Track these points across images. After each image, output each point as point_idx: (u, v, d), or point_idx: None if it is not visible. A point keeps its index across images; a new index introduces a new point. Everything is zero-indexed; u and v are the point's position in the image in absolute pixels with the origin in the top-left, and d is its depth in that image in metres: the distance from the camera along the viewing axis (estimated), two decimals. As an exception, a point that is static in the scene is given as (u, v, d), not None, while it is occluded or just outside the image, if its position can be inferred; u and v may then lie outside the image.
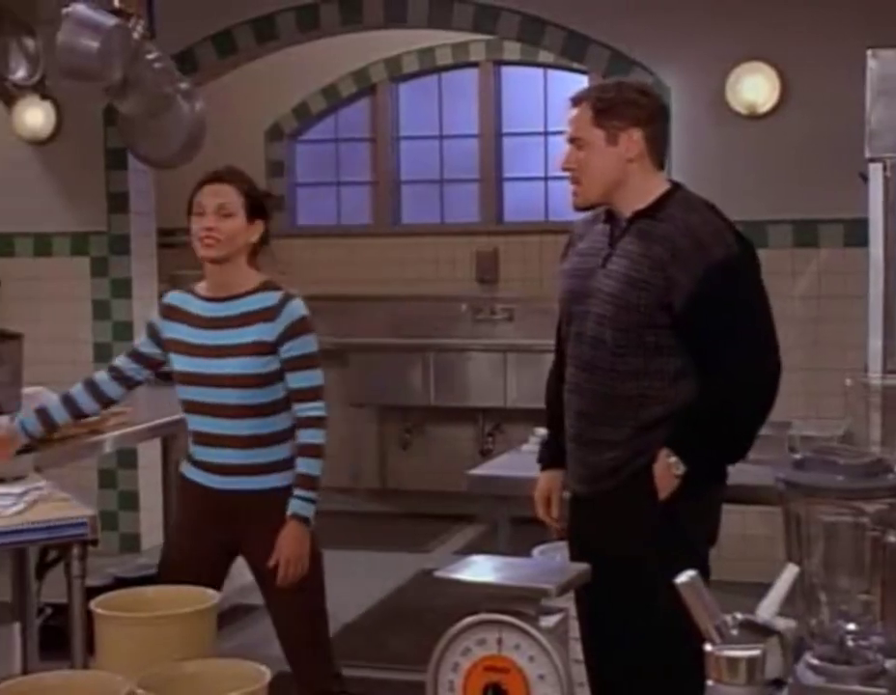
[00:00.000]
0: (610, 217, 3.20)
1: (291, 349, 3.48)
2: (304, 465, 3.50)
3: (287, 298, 3.52)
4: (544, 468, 3.46)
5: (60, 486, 3.66)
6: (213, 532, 3.58)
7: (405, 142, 8.77)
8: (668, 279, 3.01)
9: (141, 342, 3.74)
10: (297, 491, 3.49)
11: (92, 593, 2.41)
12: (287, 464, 3.54)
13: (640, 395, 3.09)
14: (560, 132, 9.34)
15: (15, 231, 7.14)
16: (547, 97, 8.36)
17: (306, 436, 3.51)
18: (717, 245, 3.03)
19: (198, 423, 3.59)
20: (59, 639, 3.60)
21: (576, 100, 3.21)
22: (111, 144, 6.88)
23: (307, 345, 3.51)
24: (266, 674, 1.86)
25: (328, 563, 3.74)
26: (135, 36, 5.35)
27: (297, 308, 3.51)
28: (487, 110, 8.51)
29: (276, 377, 3.49)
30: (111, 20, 5.16)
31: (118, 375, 3.74)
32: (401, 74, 8.64)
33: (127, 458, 6.82)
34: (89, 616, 2.35)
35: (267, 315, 3.48)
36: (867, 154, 4.51)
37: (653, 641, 3.04)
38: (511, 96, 8.52)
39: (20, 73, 5.01)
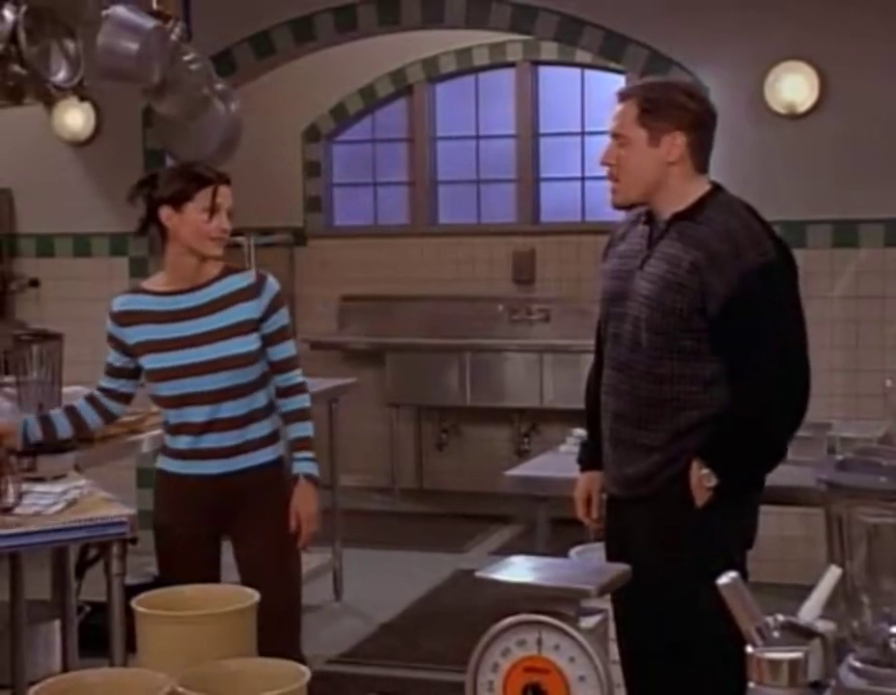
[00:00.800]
0: (650, 218, 3.18)
1: (274, 323, 3.63)
2: (301, 429, 3.66)
3: (263, 276, 3.67)
4: (583, 469, 3.44)
5: (100, 485, 3.68)
6: (205, 522, 3.62)
7: (441, 142, 8.77)
8: (704, 283, 2.99)
9: (112, 358, 3.73)
10: (300, 454, 3.65)
11: (131, 591, 2.42)
12: (273, 438, 3.67)
13: (676, 399, 3.07)
14: (598, 132, 9.29)
15: (55, 231, 7.20)
16: (585, 96, 8.34)
17: (296, 402, 3.67)
18: (754, 252, 3.00)
19: (192, 413, 3.59)
20: (98, 637, 3.63)
21: (623, 96, 3.17)
22: (150, 145, 6.92)
23: (283, 317, 3.67)
24: (306, 674, 1.86)
25: (365, 562, 3.76)
26: (173, 38, 5.38)
27: (273, 283, 3.66)
28: (524, 110, 8.50)
29: (260, 354, 3.62)
30: (150, 22, 5.19)
31: (111, 394, 3.77)
32: (438, 75, 8.64)
33: (165, 457, 6.85)
34: (128, 614, 2.36)
35: (248, 294, 3.61)
36: (908, 154, 4.48)
37: (688, 646, 3.03)
38: (548, 96, 8.50)
39: (61, 75, 5.03)
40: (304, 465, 3.64)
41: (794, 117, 6.10)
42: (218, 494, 3.61)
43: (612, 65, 7.14)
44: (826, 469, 1.83)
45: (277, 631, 3.57)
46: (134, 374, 3.72)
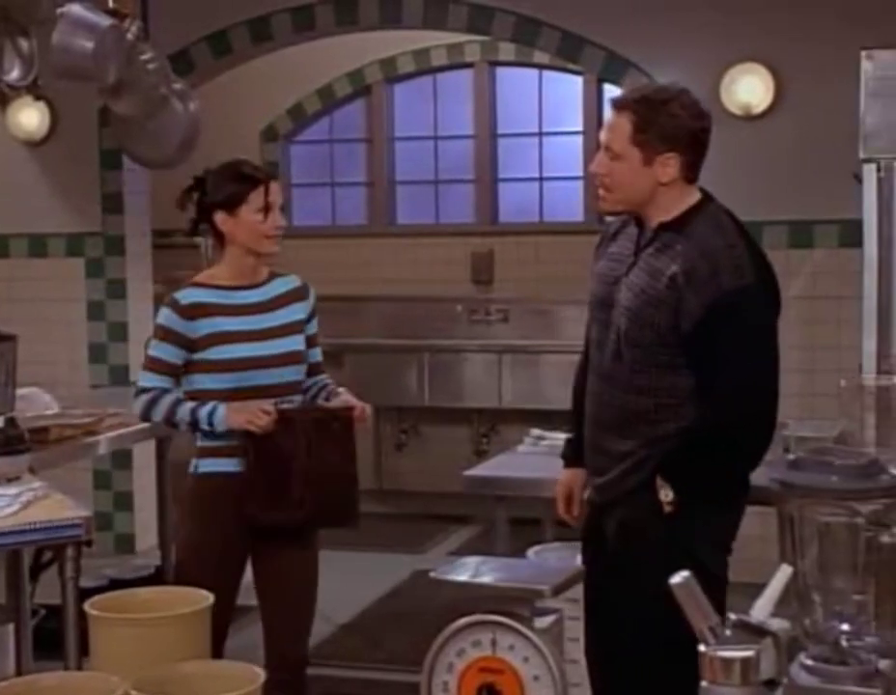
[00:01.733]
0: (640, 223, 3.15)
1: (313, 326, 3.78)
2: (331, 382, 3.83)
3: (304, 281, 3.83)
4: (566, 465, 3.42)
5: (55, 487, 3.65)
6: (241, 523, 3.59)
7: (400, 143, 8.76)
8: (679, 300, 2.97)
9: (170, 355, 3.60)
10: (333, 387, 3.80)
11: (86, 594, 2.40)
12: None
13: (653, 411, 3.06)
14: (555, 133, 9.30)
15: (10, 232, 7.14)
16: (542, 97, 8.35)
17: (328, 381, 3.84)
18: (732, 274, 2.96)
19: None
20: (53, 641, 3.60)
21: (618, 106, 3.10)
22: (105, 145, 6.88)
23: (317, 322, 3.81)
24: (261, 675, 1.86)
25: (324, 563, 3.76)
26: (130, 36, 5.36)
27: (313, 289, 3.84)
28: (482, 111, 8.51)
29: (307, 354, 3.74)
30: (106, 21, 5.15)
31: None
32: (396, 75, 8.63)
33: (122, 458, 6.82)
34: (83, 617, 2.35)
35: (299, 295, 3.76)
36: (861, 155, 4.52)
37: (656, 650, 3.03)
38: (506, 96, 8.51)
39: (14, 74, 4.99)
40: (334, 386, 3.80)
41: (749, 118, 6.14)
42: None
43: (570, 65, 7.16)
44: (778, 468, 1.85)
45: (301, 627, 3.75)
46: (183, 371, 3.64)
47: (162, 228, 7.41)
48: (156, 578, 5.64)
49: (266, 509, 3.57)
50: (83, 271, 7.03)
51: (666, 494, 3.00)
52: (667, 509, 3.01)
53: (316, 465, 3.59)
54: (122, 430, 4.67)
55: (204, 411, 3.56)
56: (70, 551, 3.32)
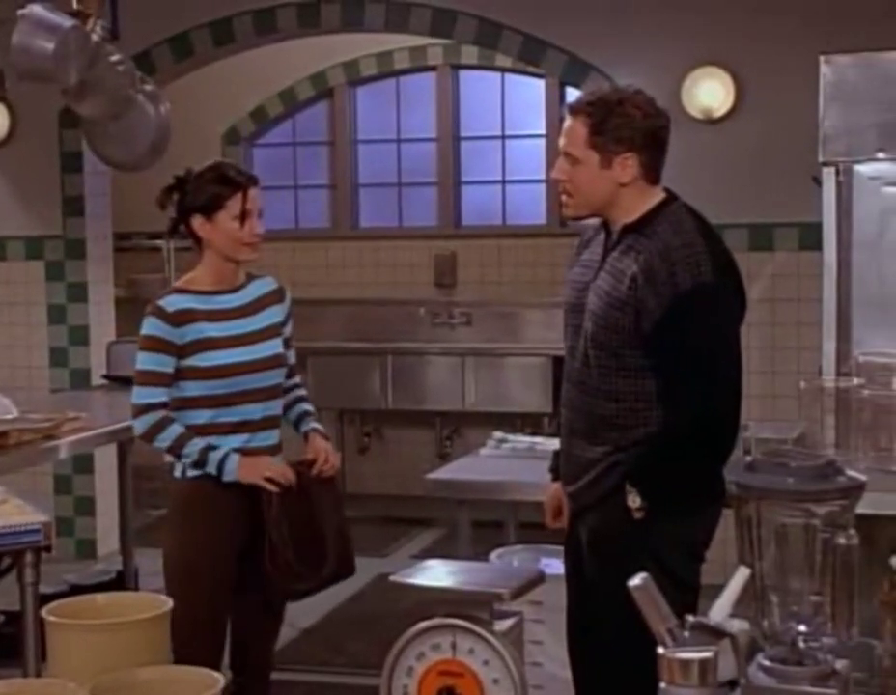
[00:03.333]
0: (607, 227, 3.14)
1: (289, 328, 3.76)
2: (308, 406, 3.85)
3: (280, 282, 3.80)
4: (554, 478, 3.35)
5: (14, 492, 3.63)
6: (241, 533, 3.57)
7: (362, 145, 8.75)
8: (640, 301, 2.96)
9: (163, 365, 3.54)
10: (310, 419, 3.83)
11: (46, 600, 2.39)
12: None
13: (622, 416, 3.04)
14: (518, 136, 9.32)
15: (-31, 235, 7.09)
16: (505, 100, 8.37)
17: (302, 390, 3.87)
18: (689, 273, 2.94)
19: (250, 411, 3.58)
20: (12, 647, 3.58)
21: (573, 110, 3.09)
22: (67, 147, 6.84)
23: (292, 325, 3.80)
24: (220, 680, 1.85)
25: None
26: (94, 37, 5.30)
27: (288, 290, 3.82)
28: (444, 114, 8.51)
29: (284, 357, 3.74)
30: (68, 21, 5.12)
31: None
32: (358, 78, 8.62)
33: (83, 463, 6.77)
34: (42, 623, 2.33)
35: (276, 297, 3.73)
36: (820, 159, 4.55)
37: (632, 654, 3.03)
38: (468, 99, 8.52)
39: (-27, 76, 4.96)
40: (312, 422, 3.82)
41: (710, 122, 6.17)
42: (254, 495, 3.55)
43: (532, 69, 7.17)
44: (735, 470, 1.85)
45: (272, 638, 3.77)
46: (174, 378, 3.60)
47: (123, 231, 7.36)
48: (118, 584, 5.61)
49: (299, 578, 3.55)
50: (43, 274, 6.98)
51: (634, 500, 2.97)
52: (637, 515, 2.98)
53: (331, 521, 3.64)
54: (82, 435, 4.64)
55: (214, 456, 3.50)
56: (28, 557, 3.30)
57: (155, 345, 3.53)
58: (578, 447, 3.13)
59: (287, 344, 3.75)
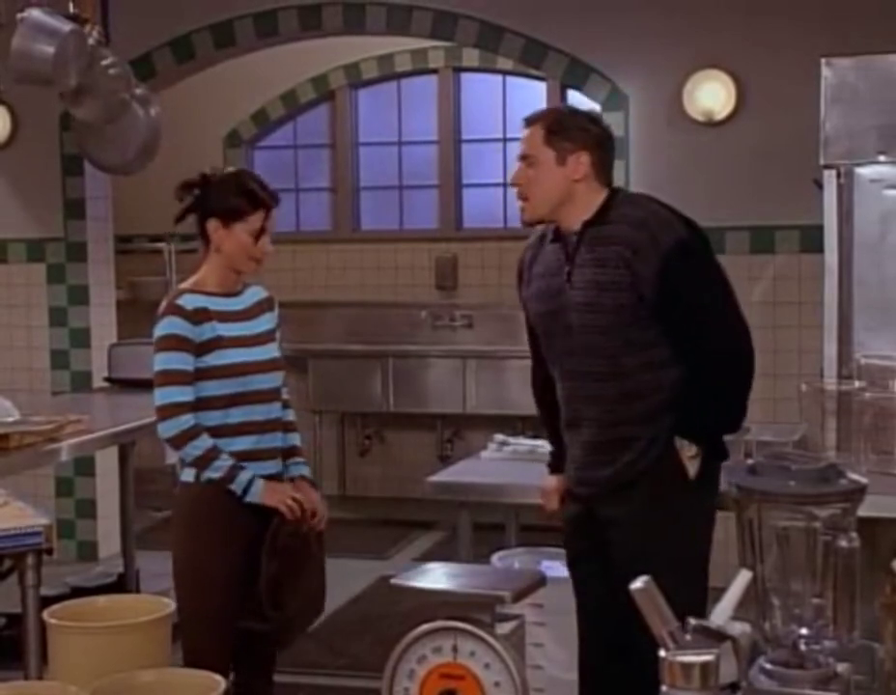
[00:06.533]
0: (558, 236, 3.32)
1: (278, 336, 3.77)
2: (296, 438, 3.81)
3: (269, 291, 3.83)
4: (552, 472, 3.53)
5: (16, 494, 3.63)
6: (252, 535, 3.57)
7: (364, 148, 8.76)
8: (634, 274, 3.14)
9: (186, 364, 3.52)
10: (298, 459, 3.78)
11: (47, 602, 2.39)
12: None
13: (636, 391, 3.21)
14: (518, 139, 9.35)
15: (-29, 237, 7.09)
16: (506, 103, 8.38)
17: (290, 415, 3.82)
18: (667, 233, 3.17)
19: (257, 411, 3.60)
20: (13, 649, 3.57)
21: (530, 121, 3.35)
22: (67, 150, 6.84)
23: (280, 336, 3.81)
24: (221, 684, 1.85)
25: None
26: (90, 41, 5.32)
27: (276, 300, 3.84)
28: (446, 116, 8.52)
29: None
30: (66, 25, 5.12)
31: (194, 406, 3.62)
32: (360, 81, 8.63)
33: (85, 465, 6.77)
34: (44, 626, 2.33)
35: (269, 305, 3.77)
36: (821, 161, 4.55)
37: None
38: (470, 102, 8.52)
39: (-26, 79, 4.97)
40: (302, 468, 3.78)
41: (711, 124, 6.17)
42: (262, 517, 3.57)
43: (533, 71, 7.18)
44: (737, 473, 1.85)
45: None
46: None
47: (124, 233, 7.36)
48: (119, 586, 5.61)
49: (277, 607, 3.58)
50: (44, 277, 6.98)
51: (689, 448, 3.18)
52: (691, 468, 3.18)
53: (309, 584, 3.71)
54: (84, 437, 4.64)
55: (243, 478, 3.51)
56: (30, 559, 3.30)
57: (178, 344, 3.51)
58: (592, 434, 3.27)
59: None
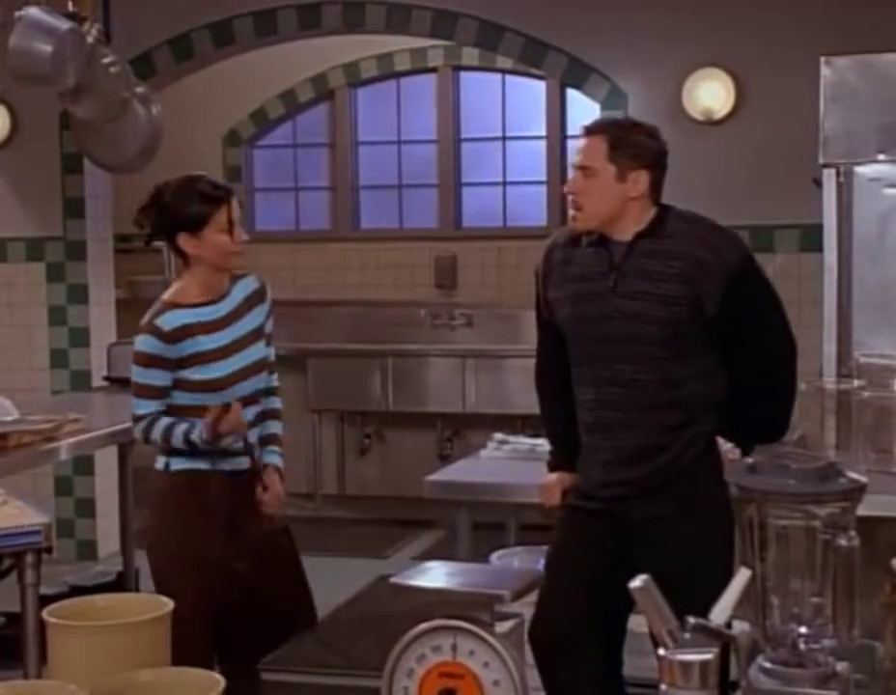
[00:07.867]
0: (603, 241, 3.28)
1: (270, 324, 3.76)
2: (276, 427, 3.79)
3: (262, 280, 3.79)
4: (554, 470, 3.49)
5: (15, 493, 3.63)
6: (230, 527, 3.59)
7: (363, 147, 8.75)
8: (698, 289, 3.16)
9: (160, 380, 3.56)
10: (272, 447, 3.76)
11: (47, 601, 2.39)
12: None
13: (685, 398, 3.23)
14: (518, 138, 9.32)
15: (-30, 236, 7.09)
16: (506, 102, 8.37)
17: (275, 402, 3.81)
18: (731, 250, 3.23)
19: (244, 414, 3.61)
20: (12, 648, 3.58)
21: (591, 131, 3.31)
22: (67, 148, 6.84)
23: (273, 321, 3.79)
24: (221, 682, 1.85)
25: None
26: (89, 40, 5.31)
27: (269, 287, 3.81)
28: (445, 115, 8.51)
29: None
30: (65, 24, 5.12)
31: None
32: (359, 80, 8.63)
33: (84, 464, 6.77)
34: (43, 625, 2.33)
35: (260, 297, 3.73)
36: (821, 160, 4.55)
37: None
38: (469, 101, 8.52)
39: (-27, 78, 4.97)
40: (275, 458, 3.75)
41: (711, 123, 6.17)
42: (244, 486, 3.60)
43: (533, 70, 7.18)
44: (736, 472, 1.85)
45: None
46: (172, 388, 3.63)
47: (124, 232, 7.35)
48: (118, 585, 5.61)
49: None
50: (44, 276, 6.98)
51: (734, 452, 3.24)
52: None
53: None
54: (83, 436, 4.65)
55: (196, 431, 3.54)
56: (29, 558, 3.31)
57: (151, 361, 3.55)
58: (630, 438, 3.25)
59: (267, 341, 3.75)
